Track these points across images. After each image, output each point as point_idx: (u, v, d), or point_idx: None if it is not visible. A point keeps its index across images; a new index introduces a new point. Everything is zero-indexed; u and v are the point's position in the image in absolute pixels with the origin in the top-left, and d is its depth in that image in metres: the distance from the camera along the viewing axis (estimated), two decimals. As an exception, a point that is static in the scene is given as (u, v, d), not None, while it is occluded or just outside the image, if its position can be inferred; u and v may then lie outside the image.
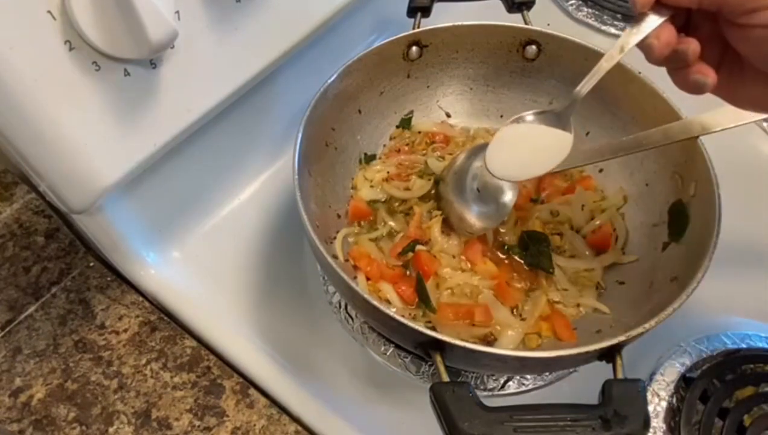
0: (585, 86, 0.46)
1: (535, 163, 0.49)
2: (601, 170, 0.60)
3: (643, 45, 0.39)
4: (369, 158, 0.61)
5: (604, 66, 0.44)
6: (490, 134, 0.64)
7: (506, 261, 0.55)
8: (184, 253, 0.60)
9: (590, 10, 0.80)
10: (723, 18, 0.37)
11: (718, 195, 0.46)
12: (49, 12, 0.37)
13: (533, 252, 0.55)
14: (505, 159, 0.49)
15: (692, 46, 0.38)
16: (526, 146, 0.49)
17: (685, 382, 0.52)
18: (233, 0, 0.46)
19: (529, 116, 0.49)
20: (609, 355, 0.40)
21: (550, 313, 0.52)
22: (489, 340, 0.51)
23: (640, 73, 0.54)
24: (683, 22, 0.39)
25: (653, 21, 0.39)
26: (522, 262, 0.55)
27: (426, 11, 0.59)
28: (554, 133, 0.48)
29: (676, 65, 0.40)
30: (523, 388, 0.52)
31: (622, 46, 0.41)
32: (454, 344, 0.39)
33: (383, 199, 0.59)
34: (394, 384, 0.54)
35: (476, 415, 0.36)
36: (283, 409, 0.51)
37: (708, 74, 0.39)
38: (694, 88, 0.40)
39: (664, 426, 0.50)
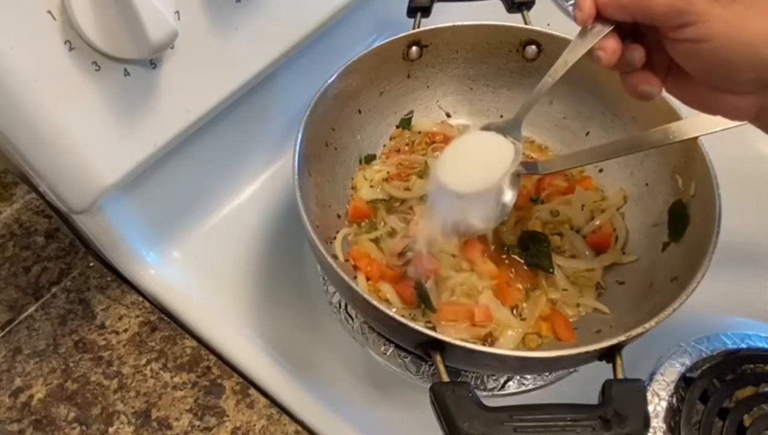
0: (533, 96, 0.47)
1: (483, 174, 0.50)
2: (601, 170, 0.60)
3: (592, 55, 0.41)
4: (369, 158, 0.61)
5: (548, 81, 0.45)
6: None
7: (506, 261, 0.55)
8: (184, 253, 0.60)
9: (590, 10, 0.80)
10: (659, 31, 0.38)
11: (718, 195, 0.46)
12: (49, 12, 0.37)
13: (533, 252, 0.55)
14: (454, 172, 0.50)
15: (637, 52, 0.40)
16: (473, 158, 0.51)
17: (685, 382, 0.52)
18: (233, 0, 0.46)
19: (477, 132, 0.52)
20: (609, 355, 0.40)
21: (550, 313, 0.52)
22: (489, 340, 0.51)
23: (640, 73, 0.54)
24: (630, 30, 0.40)
25: (597, 33, 0.40)
26: (522, 262, 0.55)
27: (426, 11, 0.59)
28: (497, 142, 0.50)
29: (624, 70, 0.42)
30: (523, 388, 0.52)
31: (566, 60, 0.43)
32: (454, 344, 0.39)
33: (383, 199, 0.59)
34: (394, 384, 0.54)
35: (476, 415, 0.36)
36: (283, 409, 0.51)
37: (654, 84, 0.41)
38: (642, 96, 0.42)
39: (664, 426, 0.50)
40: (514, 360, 0.42)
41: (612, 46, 0.40)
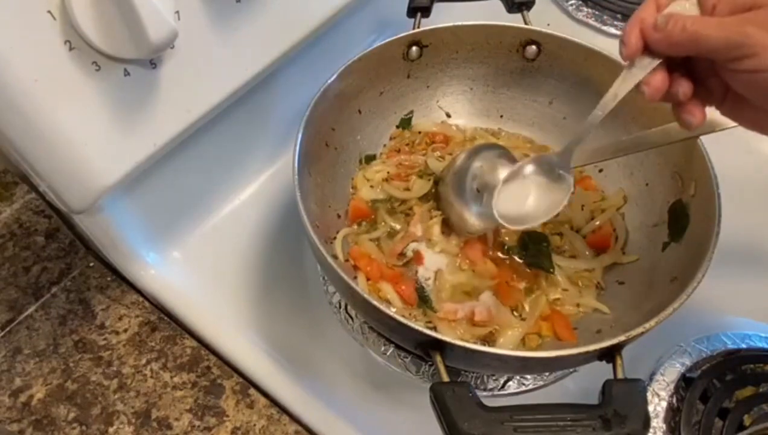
0: (583, 132, 0.47)
1: (537, 211, 0.50)
2: (601, 170, 0.60)
3: (637, 88, 0.41)
4: (369, 158, 0.61)
5: (598, 114, 0.44)
6: (489, 134, 0.64)
7: (506, 261, 0.55)
8: (184, 253, 0.60)
9: (590, 10, 0.80)
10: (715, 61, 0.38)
11: (718, 195, 0.46)
12: (49, 12, 0.37)
13: (533, 252, 0.55)
14: (511, 210, 0.51)
15: (682, 88, 0.40)
16: (528, 197, 0.51)
17: (685, 382, 0.52)
18: (233, 0, 0.46)
19: (528, 166, 0.51)
20: (609, 355, 0.40)
21: (550, 313, 0.52)
22: (489, 340, 0.51)
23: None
24: (682, 59, 0.40)
25: (646, 65, 0.40)
26: (522, 262, 0.55)
27: (426, 11, 0.59)
28: (551, 186, 0.50)
29: (670, 102, 0.41)
30: (523, 388, 0.52)
31: (616, 93, 0.43)
32: (454, 344, 0.39)
33: (383, 199, 0.59)
34: (394, 384, 0.54)
35: (476, 415, 0.36)
36: (283, 409, 0.51)
37: (695, 115, 0.41)
38: (684, 125, 0.42)
39: (664, 426, 0.50)
40: (514, 360, 0.42)
41: (657, 83, 0.39)
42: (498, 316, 0.51)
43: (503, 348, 0.49)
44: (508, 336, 0.50)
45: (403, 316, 0.42)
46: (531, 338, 0.51)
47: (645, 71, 0.40)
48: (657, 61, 0.39)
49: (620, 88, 0.42)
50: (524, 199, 0.51)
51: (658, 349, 0.54)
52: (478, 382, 0.52)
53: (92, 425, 0.49)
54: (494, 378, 0.52)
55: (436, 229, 0.55)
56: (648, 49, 0.39)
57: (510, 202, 0.51)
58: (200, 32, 0.45)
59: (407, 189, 0.59)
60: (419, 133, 0.64)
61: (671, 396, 0.51)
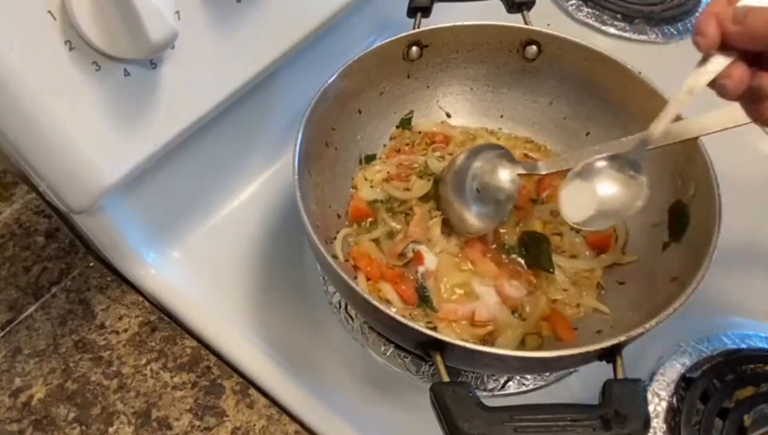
0: (657, 128, 0.44)
1: (609, 211, 0.47)
2: (601, 170, 0.60)
3: (715, 85, 0.39)
4: (369, 158, 0.61)
5: (672, 110, 0.43)
6: (490, 134, 0.64)
7: (506, 261, 0.55)
8: (184, 253, 0.60)
9: (590, 10, 0.80)
10: None
11: (718, 195, 0.46)
12: (49, 12, 0.37)
13: (533, 252, 0.55)
14: (580, 207, 0.48)
15: (766, 80, 0.38)
16: (597, 197, 0.48)
17: (685, 382, 0.52)
18: (233, 0, 0.46)
19: (600, 162, 0.48)
20: (609, 355, 0.40)
21: (550, 313, 0.52)
22: (489, 340, 0.51)
23: (640, 73, 0.54)
24: (753, 55, 0.38)
25: (721, 61, 0.38)
26: (522, 262, 0.55)
27: (426, 11, 0.59)
28: (627, 181, 0.47)
29: (750, 100, 0.39)
30: (523, 388, 0.52)
31: (691, 88, 0.40)
32: (454, 344, 0.39)
33: (383, 199, 0.59)
34: (394, 384, 0.54)
35: (476, 415, 0.36)
36: (283, 409, 0.51)
37: None
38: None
39: (664, 426, 0.50)
40: (514, 360, 0.42)
41: (739, 75, 0.37)
42: (498, 316, 0.51)
43: (503, 348, 0.49)
44: (508, 336, 0.50)
45: (403, 316, 0.42)
46: (531, 338, 0.51)
47: (719, 67, 0.38)
48: (731, 59, 0.38)
49: (695, 83, 0.39)
50: (592, 199, 0.48)
51: (658, 349, 0.54)
52: (478, 382, 0.52)
53: (92, 425, 0.49)
54: (494, 378, 0.52)
55: (436, 230, 0.55)
56: (722, 44, 0.37)
57: (576, 201, 0.48)
58: (200, 32, 0.45)
59: (407, 189, 0.59)
60: (419, 133, 0.64)
61: (671, 396, 0.51)
